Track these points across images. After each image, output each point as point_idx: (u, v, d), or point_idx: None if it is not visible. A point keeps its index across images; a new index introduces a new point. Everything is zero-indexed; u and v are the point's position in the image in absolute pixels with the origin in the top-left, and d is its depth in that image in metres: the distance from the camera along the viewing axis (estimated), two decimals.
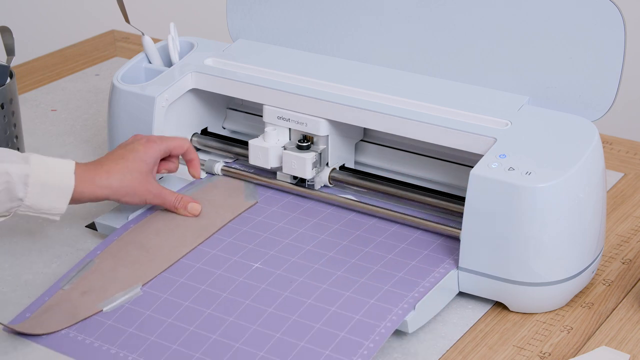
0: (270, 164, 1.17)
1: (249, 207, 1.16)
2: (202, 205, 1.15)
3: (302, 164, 1.15)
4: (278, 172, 1.19)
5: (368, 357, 0.96)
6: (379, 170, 1.21)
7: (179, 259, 1.09)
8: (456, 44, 1.16)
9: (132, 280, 1.06)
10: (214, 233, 1.12)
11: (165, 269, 1.08)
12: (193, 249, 1.10)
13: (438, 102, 1.13)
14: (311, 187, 1.17)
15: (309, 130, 1.16)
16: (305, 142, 1.16)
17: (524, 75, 1.13)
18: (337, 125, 1.16)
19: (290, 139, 1.18)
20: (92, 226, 1.18)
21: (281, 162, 1.17)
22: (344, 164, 1.20)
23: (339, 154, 1.18)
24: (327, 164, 1.18)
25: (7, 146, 1.24)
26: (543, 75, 1.12)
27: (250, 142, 1.18)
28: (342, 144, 1.18)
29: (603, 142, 1.25)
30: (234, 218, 1.15)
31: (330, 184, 1.18)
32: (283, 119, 1.17)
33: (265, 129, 1.18)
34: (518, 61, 1.13)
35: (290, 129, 1.17)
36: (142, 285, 1.06)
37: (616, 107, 1.11)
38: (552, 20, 1.10)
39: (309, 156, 1.15)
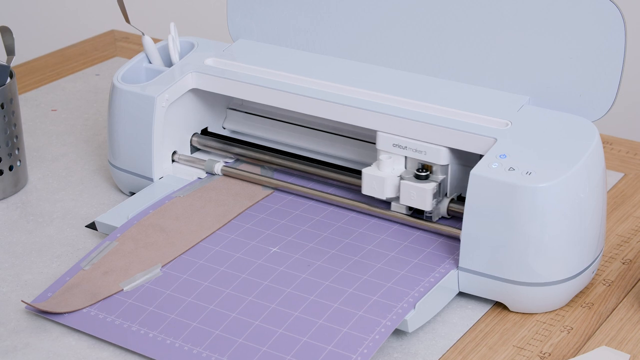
0: (386, 194, 1.11)
1: (266, 196, 1.18)
2: (221, 194, 1.18)
3: (423, 195, 1.09)
4: (393, 203, 1.13)
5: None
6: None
7: (198, 242, 1.11)
8: (456, 44, 1.16)
9: (152, 262, 1.08)
10: (232, 219, 1.14)
11: (185, 252, 1.10)
12: (212, 233, 1.12)
13: (438, 102, 1.13)
14: (429, 219, 1.11)
15: (428, 159, 1.09)
16: (424, 171, 1.10)
17: (524, 75, 1.13)
18: (456, 153, 1.10)
19: (406, 168, 1.12)
20: (92, 226, 1.18)
21: (398, 192, 1.11)
22: (460, 194, 1.13)
23: (457, 184, 1.12)
24: (446, 194, 1.12)
25: (7, 146, 1.24)
26: (543, 75, 1.12)
27: (364, 171, 1.12)
28: (461, 172, 1.12)
29: (603, 142, 1.26)
30: (251, 205, 1.17)
31: (449, 215, 1.11)
32: (399, 146, 1.10)
33: (380, 157, 1.11)
34: (518, 61, 1.13)
35: (406, 157, 1.11)
36: (162, 267, 1.08)
37: (616, 107, 1.11)
38: (552, 20, 1.10)
39: (430, 187, 1.09)
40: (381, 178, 1.11)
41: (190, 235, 1.12)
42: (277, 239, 1.11)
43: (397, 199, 1.12)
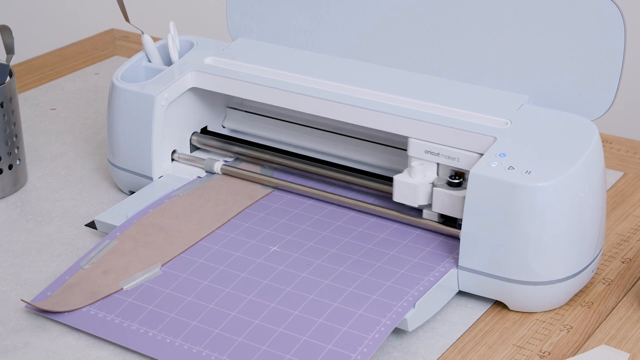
0: (418, 201, 1.10)
1: (266, 195, 1.18)
2: (220, 193, 1.17)
3: (456, 203, 1.08)
4: (425, 210, 1.11)
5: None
6: None
7: (198, 241, 1.11)
8: (456, 44, 1.16)
9: (151, 261, 1.08)
10: (231, 218, 1.14)
11: (184, 251, 1.10)
12: (211, 232, 1.12)
13: (438, 101, 1.13)
14: (460, 226, 1.09)
15: (460, 165, 1.08)
16: (456, 178, 1.09)
17: (524, 74, 1.13)
18: None
19: (438, 175, 1.10)
20: (91, 225, 1.18)
21: (430, 200, 1.10)
22: None
23: None
24: None
25: (6, 145, 1.24)
26: (543, 74, 1.12)
27: (396, 178, 1.10)
28: None
29: (603, 141, 1.25)
30: (251, 204, 1.16)
31: None
32: (432, 153, 1.09)
33: (412, 164, 1.10)
34: (518, 60, 1.13)
35: (438, 163, 1.10)
36: (162, 265, 1.08)
37: (616, 106, 1.11)
38: (552, 19, 1.10)
39: (463, 194, 1.07)
40: (413, 185, 1.09)
41: (190, 234, 1.12)
42: (277, 238, 1.11)
43: (429, 206, 1.11)
